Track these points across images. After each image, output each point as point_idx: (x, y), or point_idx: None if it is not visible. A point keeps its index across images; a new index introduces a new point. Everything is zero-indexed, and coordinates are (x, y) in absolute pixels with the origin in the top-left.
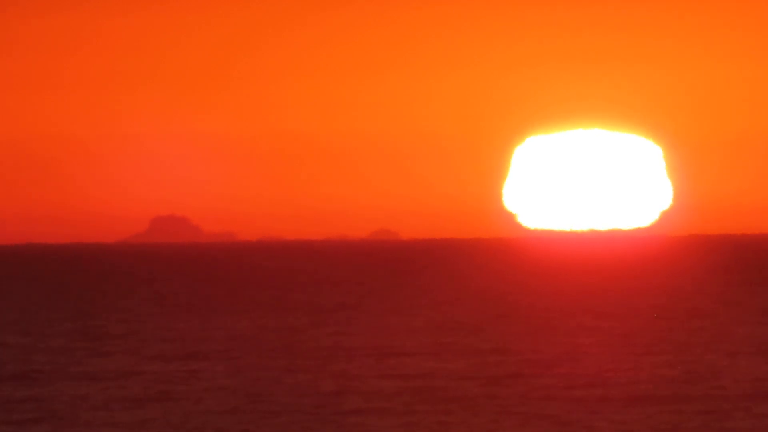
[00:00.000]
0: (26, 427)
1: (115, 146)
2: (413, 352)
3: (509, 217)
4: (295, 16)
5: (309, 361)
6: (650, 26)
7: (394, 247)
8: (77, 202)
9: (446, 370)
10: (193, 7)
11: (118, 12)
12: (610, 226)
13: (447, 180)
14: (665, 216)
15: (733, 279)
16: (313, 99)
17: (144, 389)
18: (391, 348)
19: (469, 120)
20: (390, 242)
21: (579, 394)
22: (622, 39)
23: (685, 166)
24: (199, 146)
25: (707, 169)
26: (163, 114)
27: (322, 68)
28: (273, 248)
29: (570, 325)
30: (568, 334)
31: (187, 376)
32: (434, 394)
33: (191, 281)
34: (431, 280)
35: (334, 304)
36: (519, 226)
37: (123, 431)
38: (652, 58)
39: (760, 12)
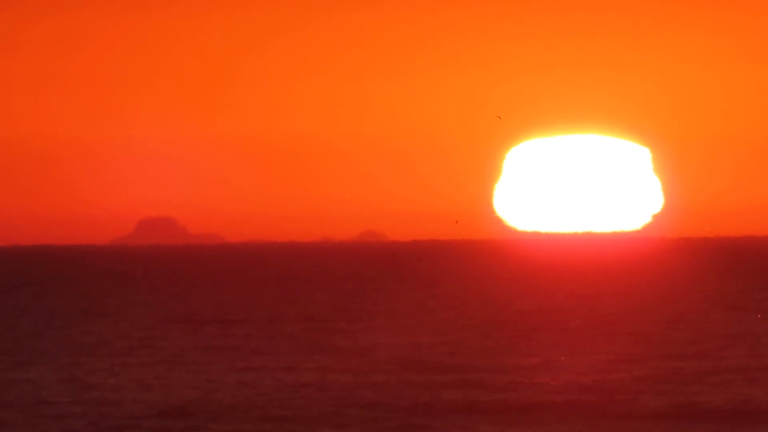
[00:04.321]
0: None
1: (103, 147)
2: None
3: (499, 220)
4: (279, 19)
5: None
6: (638, 33)
7: (382, 248)
8: (64, 203)
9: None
10: (187, 10)
11: (114, 14)
12: (601, 229)
13: (435, 182)
14: (657, 219)
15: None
16: (300, 102)
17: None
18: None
19: (459, 123)
20: (378, 244)
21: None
22: (612, 46)
23: (676, 169)
24: (185, 148)
25: (699, 172)
26: (151, 116)
27: (310, 71)
28: (260, 250)
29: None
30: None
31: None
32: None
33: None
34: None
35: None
36: (509, 229)
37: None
38: (643, 64)
39: (744, 15)
